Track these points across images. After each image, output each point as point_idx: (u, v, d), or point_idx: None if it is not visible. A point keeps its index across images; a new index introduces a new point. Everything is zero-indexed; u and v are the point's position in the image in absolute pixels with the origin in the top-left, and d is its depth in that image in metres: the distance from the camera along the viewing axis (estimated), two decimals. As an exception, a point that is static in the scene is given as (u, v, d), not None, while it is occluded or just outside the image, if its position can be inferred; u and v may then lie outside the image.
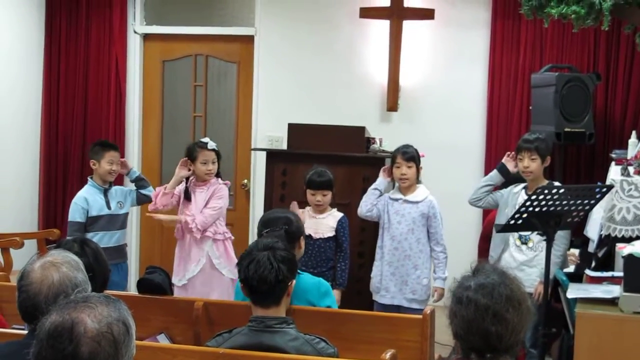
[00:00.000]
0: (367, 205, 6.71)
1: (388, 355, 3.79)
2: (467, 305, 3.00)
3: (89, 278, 3.60)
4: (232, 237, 6.88)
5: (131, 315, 2.57)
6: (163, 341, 5.06)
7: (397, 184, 6.86)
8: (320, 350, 3.98)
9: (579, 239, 7.02)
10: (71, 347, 2.39)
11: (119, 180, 8.31)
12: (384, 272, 6.66)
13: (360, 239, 7.14)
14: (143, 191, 7.18)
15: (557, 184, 6.23)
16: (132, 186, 7.32)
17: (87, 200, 6.94)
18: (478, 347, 2.98)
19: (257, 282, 3.95)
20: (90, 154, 7.17)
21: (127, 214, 7.23)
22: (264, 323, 3.96)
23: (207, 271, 6.66)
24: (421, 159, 6.77)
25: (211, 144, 6.74)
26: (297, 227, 5.18)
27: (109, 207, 7.00)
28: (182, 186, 6.77)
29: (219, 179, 6.81)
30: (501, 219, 6.34)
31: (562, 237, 6.15)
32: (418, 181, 6.72)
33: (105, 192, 7.02)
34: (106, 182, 7.07)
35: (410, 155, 6.64)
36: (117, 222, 7.05)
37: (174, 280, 6.67)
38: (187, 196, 6.75)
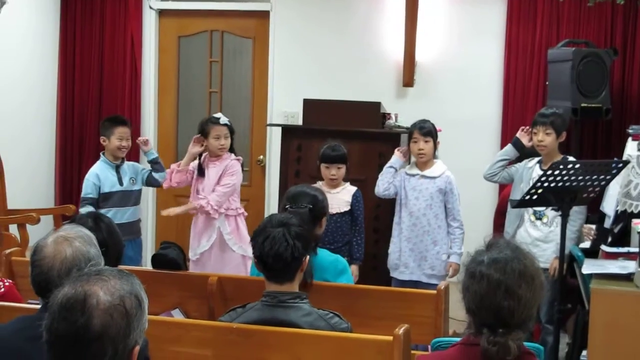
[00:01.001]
0: (384, 184, 6.69)
1: (401, 330, 3.78)
2: (479, 280, 2.99)
3: (103, 253, 3.60)
4: (245, 214, 6.88)
5: (144, 289, 2.57)
6: (177, 316, 5.08)
7: (412, 159, 6.84)
8: (334, 325, 3.97)
9: (595, 215, 7.00)
10: (83, 319, 2.39)
11: (135, 156, 8.34)
12: (403, 248, 6.64)
13: (375, 214, 7.13)
14: (155, 175, 7.11)
15: (571, 158, 6.20)
16: (147, 165, 7.28)
17: (98, 176, 6.90)
18: (490, 322, 2.97)
19: (273, 259, 3.92)
20: (100, 129, 7.12)
21: (140, 190, 7.18)
22: (277, 298, 3.95)
23: (218, 246, 6.69)
24: (438, 133, 6.74)
25: (223, 119, 6.74)
26: (322, 206, 5.10)
27: (121, 184, 6.96)
28: (196, 162, 6.78)
29: (232, 155, 6.81)
30: (516, 194, 6.33)
31: (577, 212, 6.13)
32: (435, 156, 6.70)
33: (117, 169, 6.98)
34: (118, 158, 7.02)
35: (428, 130, 6.61)
36: (130, 198, 7.02)
37: (190, 255, 6.73)
38: (201, 172, 6.76)
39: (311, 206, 4.97)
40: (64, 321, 2.41)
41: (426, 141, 6.59)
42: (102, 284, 2.46)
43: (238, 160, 6.84)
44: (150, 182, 7.19)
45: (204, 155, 6.80)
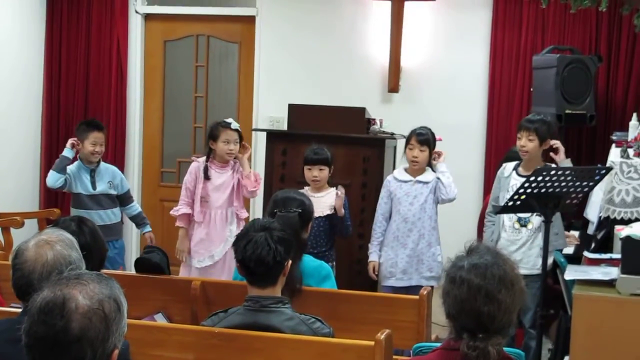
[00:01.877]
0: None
1: (383, 335, 3.78)
2: (459, 285, 3.01)
3: (86, 256, 3.61)
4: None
5: (123, 293, 2.58)
6: (160, 320, 5.08)
7: (403, 165, 6.82)
8: (316, 330, 3.99)
9: (579, 221, 7.03)
10: (62, 323, 2.40)
11: (120, 161, 8.35)
12: (400, 255, 6.64)
13: (360, 218, 7.12)
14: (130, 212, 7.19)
15: (553, 166, 6.22)
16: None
17: (71, 172, 6.97)
18: (470, 327, 2.98)
19: (255, 263, 3.93)
20: (76, 132, 7.15)
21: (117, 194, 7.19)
22: (259, 303, 3.96)
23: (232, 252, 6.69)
24: (438, 142, 6.76)
25: (234, 124, 6.77)
26: (310, 211, 5.21)
27: (94, 188, 6.97)
28: (202, 165, 6.77)
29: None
30: (497, 201, 6.35)
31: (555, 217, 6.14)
32: (429, 164, 6.70)
33: (92, 173, 6.99)
34: (91, 162, 7.02)
35: (425, 139, 6.62)
36: (107, 200, 7.04)
37: (193, 262, 6.74)
38: (207, 175, 6.74)
39: (300, 210, 5.02)
40: (42, 324, 2.41)
41: (422, 150, 6.61)
42: (81, 287, 2.47)
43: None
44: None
45: (210, 158, 6.80)
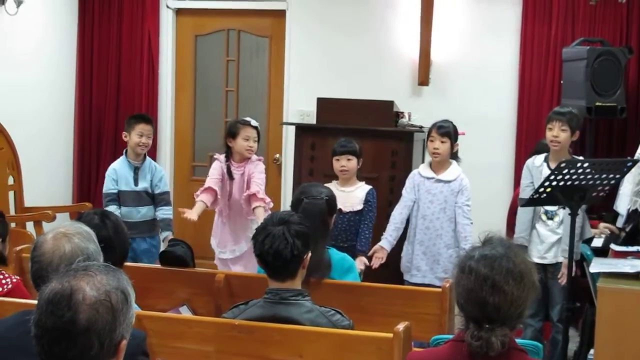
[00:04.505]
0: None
1: (401, 327, 3.80)
2: (468, 274, 3.03)
3: (109, 250, 3.65)
4: None
5: (131, 284, 2.61)
6: (185, 313, 5.12)
7: (428, 159, 6.83)
8: (335, 322, 4.01)
9: (609, 214, 6.99)
10: (70, 314, 2.43)
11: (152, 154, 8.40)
12: (415, 251, 6.64)
13: (388, 212, 7.11)
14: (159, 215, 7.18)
15: (579, 158, 6.18)
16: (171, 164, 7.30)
17: (115, 171, 7.01)
18: (476, 317, 3.00)
19: (273, 257, 3.96)
20: (125, 126, 7.22)
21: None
22: (279, 295, 3.99)
23: None
24: (460, 136, 6.74)
25: (254, 122, 6.79)
26: (335, 201, 5.29)
27: (136, 184, 7.02)
28: (224, 165, 6.83)
29: (255, 156, 6.89)
30: (524, 193, 6.31)
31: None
32: (453, 157, 6.68)
33: (136, 170, 7.04)
34: (138, 155, 7.08)
35: (446, 131, 6.60)
36: (145, 198, 7.08)
37: (220, 253, 6.87)
38: (230, 175, 6.80)
39: (327, 197, 5.07)
40: (51, 315, 2.45)
41: (442, 141, 6.58)
42: (88, 279, 2.50)
43: (260, 159, 6.89)
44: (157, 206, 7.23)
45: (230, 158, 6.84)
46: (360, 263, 6.33)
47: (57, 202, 9.10)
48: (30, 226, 8.04)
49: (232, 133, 6.78)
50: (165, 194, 7.21)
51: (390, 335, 3.80)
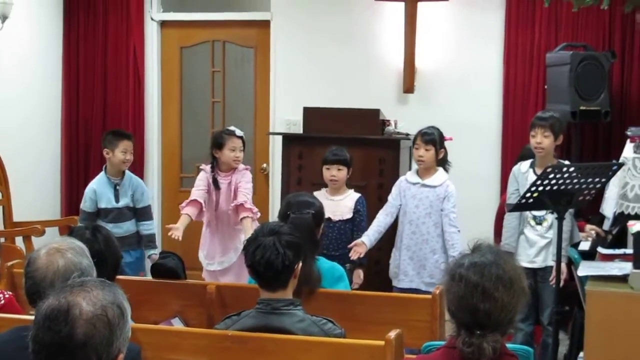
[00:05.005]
0: None
1: (393, 334, 3.83)
2: (458, 282, 3.08)
3: (101, 264, 3.68)
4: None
5: (127, 299, 2.64)
6: (177, 324, 5.13)
7: (415, 167, 6.87)
8: (327, 331, 4.03)
9: (596, 217, 7.04)
10: (67, 329, 2.47)
11: (140, 171, 8.41)
12: (402, 256, 6.68)
13: (377, 220, 7.17)
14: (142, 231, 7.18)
15: (566, 162, 6.24)
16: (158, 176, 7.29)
17: (95, 191, 6.99)
18: (467, 324, 3.05)
19: (264, 267, 3.98)
20: (103, 142, 7.15)
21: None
22: (271, 305, 4.01)
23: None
24: (448, 142, 6.78)
25: (239, 132, 6.81)
26: (322, 212, 5.29)
27: (117, 201, 7.01)
28: (210, 176, 6.83)
29: (241, 165, 6.89)
30: (512, 199, 6.37)
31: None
32: (442, 163, 6.72)
33: (116, 186, 7.04)
34: (119, 172, 7.07)
35: (430, 138, 6.64)
36: (127, 214, 7.07)
37: (209, 265, 6.87)
38: (216, 184, 6.81)
39: (313, 212, 5.09)
40: (48, 331, 2.48)
41: (427, 149, 6.63)
42: (84, 294, 2.53)
43: (247, 168, 6.91)
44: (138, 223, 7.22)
45: (215, 168, 6.85)
46: (357, 277, 6.38)
47: (45, 215, 9.09)
48: (19, 241, 8.04)
49: (218, 144, 6.79)
50: (147, 207, 7.21)
51: (383, 342, 3.82)
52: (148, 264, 7.60)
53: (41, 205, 9.41)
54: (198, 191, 6.82)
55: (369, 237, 6.62)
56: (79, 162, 9.79)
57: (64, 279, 3.26)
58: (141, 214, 7.13)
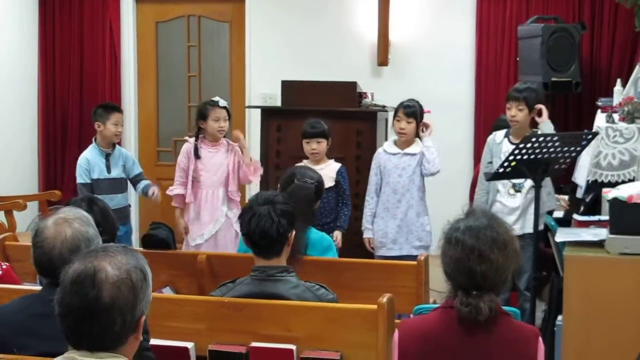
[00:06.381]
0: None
1: (385, 299, 3.95)
2: (455, 245, 3.20)
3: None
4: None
5: (147, 263, 2.75)
6: (168, 294, 5.22)
7: (392, 138, 6.96)
8: (321, 296, 4.15)
9: (568, 186, 7.20)
10: (94, 292, 2.56)
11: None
12: (390, 225, 6.78)
13: (356, 191, 7.26)
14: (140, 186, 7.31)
15: (540, 132, 6.36)
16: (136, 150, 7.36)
17: (88, 161, 7.03)
18: (464, 285, 3.18)
19: (259, 235, 4.07)
20: (94, 116, 7.20)
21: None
22: (266, 272, 4.11)
23: (224, 230, 6.83)
24: (427, 115, 6.89)
25: (222, 102, 6.83)
26: (322, 188, 5.51)
27: (109, 171, 7.09)
28: (192, 145, 6.88)
29: (229, 141, 6.95)
30: (488, 168, 6.50)
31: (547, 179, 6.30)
32: (417, 136, 6.84)
33: (108, 156, 7.12)
34: (110, 144, 7.16)
35: (412, 111, 6.73)
36: (117, 185, 7.15)
37: (189, 240, 6.87)
38: (197, 154, 6.87)
39: (317, 184, 5.23)
40: (75, 295, 2.57)
41: (409, 122, 6.71)
42: (109, 259, 2.63)
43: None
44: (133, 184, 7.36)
45: (200, 137, 6.88)
46: (336, 237, 6.52)
47: (23, 190, 9.11)
48: (1, 215, 8.09)
49: (202, 115, 6.83)
50: (141, 174, 7.32)
51: (375, 307, 3.95)
52: (135, 239, 7.72)
53: (19, 180, 9.46)
54: (180, 180, 6.89)
55: (369, 229, 6.89)
56: (56, 137, 9.84)
57: (72, 248, 3.37)
58: (137, 180, 7.28)
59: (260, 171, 6.94)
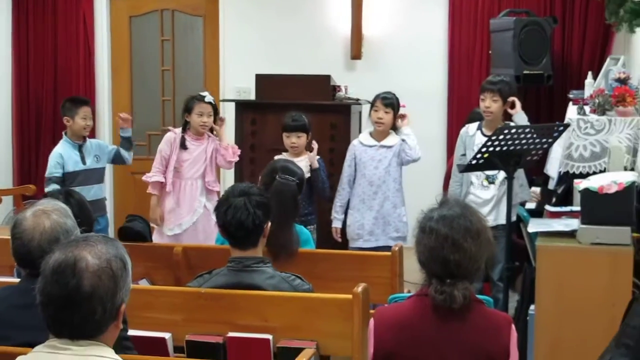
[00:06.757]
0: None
1: (360, 289, 4.00)
2: (429, 234, 3.26)
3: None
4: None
5: (127, 252, 2.78)
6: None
7: (368, 130, 7.00)
8: (296, 286, 4.21)
9: (540, 178, 7.27)
10: (74, 281, 2.59)
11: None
12: (366, 217, 6.84)
13: (330, 183, 7.28)
14: (124, 152, 7.28)
15: (512, 124, 6.43)
16: (110, 144, 7.38)
17: (62, 155, 7.02)
18: (438, 273, 3.24)
19: (235, 227, 4.13)
20: (62, 110, 7.20)
21: (104, 168, 7.33)
22: (242, 263, 4.16)
23: (203, 221, 6.86)
24: (402, 108, 6.95)
25: (208, 97, 6.86)
26: (303, 181, 5.61)
27: (84, 163, 7.09)
28: (179, 136, 6.90)
29: (213, 135, 6.98)
30: (461, 160, 6.56)
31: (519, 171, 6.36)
32: (393, 129, 6.89)
33: (80, 148, 7.12)
34: (80, 137, 7.16)
35: (390, 102, 6.80)
36: (93, 176, 7.15)
37: (164, 230, 6.89)
38: (184, 145, 6.89)
39: (297, 181, 5.29)
40: (56, 284, 2.60)
41: (386, 112, 6.77)
42: (89, 248, 2.66)
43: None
44: (117, 159, 7.35)
45: (187, 129, 6.93)
46: None
47: (-2, 185, 9.15)
48: (-25, 210, 8.11)
49: (187, 108, 6.88)
50: (118, 149, 7.34)
51: (350, 296, 4.00)
52: (111, 232, 7.71)
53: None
54: (159, 167, 6.89)
55: (338, 219, 6.96)
56: (30, 131, 9.83)
57: (51, 240, 3.40)
58: (116, 153, 7.32)
59: (239, 151, 6.97)
